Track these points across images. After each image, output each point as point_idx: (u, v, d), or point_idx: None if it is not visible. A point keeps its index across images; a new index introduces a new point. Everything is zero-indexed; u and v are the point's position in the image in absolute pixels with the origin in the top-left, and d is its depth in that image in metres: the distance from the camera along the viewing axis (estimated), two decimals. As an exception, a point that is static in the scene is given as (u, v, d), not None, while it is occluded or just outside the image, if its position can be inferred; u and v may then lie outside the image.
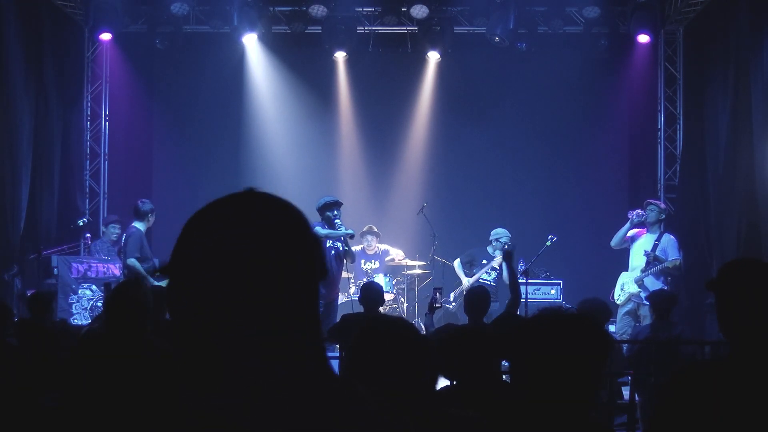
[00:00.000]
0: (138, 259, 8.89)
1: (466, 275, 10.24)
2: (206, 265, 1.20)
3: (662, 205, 9.79)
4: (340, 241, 9.00)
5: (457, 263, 10.35)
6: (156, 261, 9.06)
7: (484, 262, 10.06)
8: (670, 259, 9.36)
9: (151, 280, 8.57)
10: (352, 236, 9.07)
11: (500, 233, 10.13)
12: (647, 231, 9.57)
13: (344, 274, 11.05)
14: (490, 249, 10.12)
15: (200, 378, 1.21)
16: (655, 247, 9.41)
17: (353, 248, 11.12)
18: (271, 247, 1.21)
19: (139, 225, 9.05)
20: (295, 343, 1.23)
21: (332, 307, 9.04)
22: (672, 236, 9.59)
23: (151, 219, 9.24)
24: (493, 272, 9.99)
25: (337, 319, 9.13)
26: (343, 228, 8.94)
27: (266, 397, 1.20)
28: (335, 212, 8.92)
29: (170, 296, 1.24)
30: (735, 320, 2.39)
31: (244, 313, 1.20)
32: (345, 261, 9.23)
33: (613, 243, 9.77)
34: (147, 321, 4.04)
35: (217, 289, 1.19)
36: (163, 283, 8.88)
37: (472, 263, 10.22)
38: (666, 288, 9.25)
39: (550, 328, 2.07)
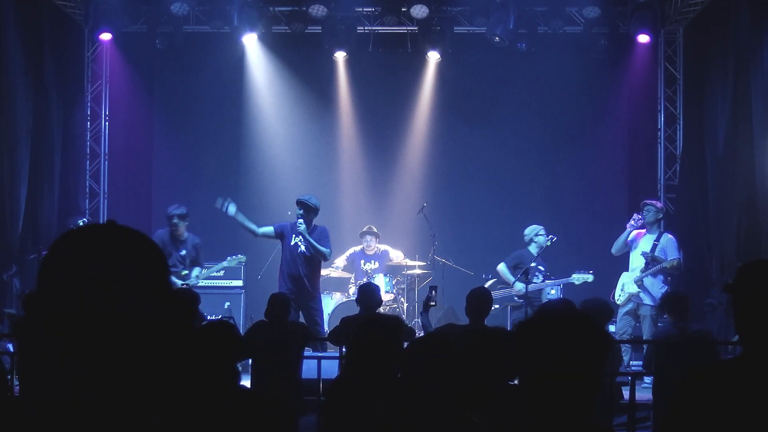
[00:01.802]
0: None
1: (518, 280, 9.69)
2: (59, 294, 1.25)
3: (659, 205, 9.76)
4: (299, 235, 9.06)
5: (502, 267, 9.81)
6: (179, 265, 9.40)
7: (533, 264, 9.67)
8: (669, 258, 9.36)
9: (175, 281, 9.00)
10: (254, 234, 9.31)
11: (537, 229, 9.82)
12: (647, 231, 9.57)
13: (340, 274, 11.09)
14: (533, 249, 9.77)
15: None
16: (654, 247, 9.40)
17: (353, 249, 11.18)
18: (121, 279, 1.25)
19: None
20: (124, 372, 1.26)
21: (310, 309, 9.00)
22: (671, 236, 9.59)
23: (175, 222, 9.43)
24: (541, 276, 9.78)
25: (329, 320, 9.16)
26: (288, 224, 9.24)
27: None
28: (299, 212, 9.13)
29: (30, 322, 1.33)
30: (753, 321, 2.39)
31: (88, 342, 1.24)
32: (316, 259, 9.21)
33: (613, 250, 9.72)
34: None
35: (67, 320, 1.24)
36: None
37: (519, 266, 9.70)
38: (667, 288, 9.27)
39: (550, 328, 2.07)
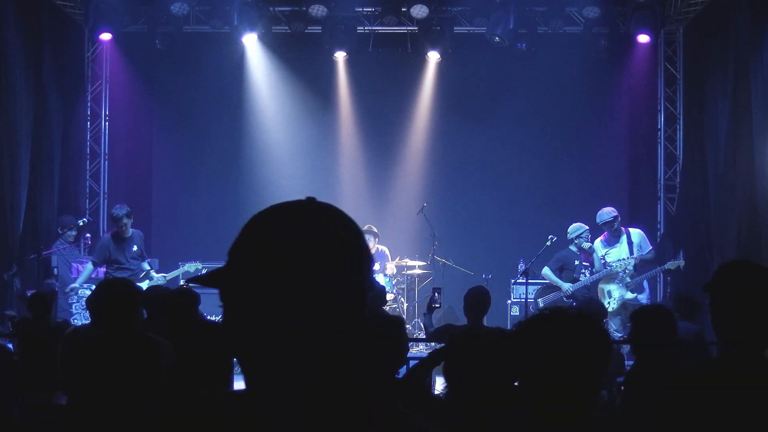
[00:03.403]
0: (96, 263, 9.42)
1: (564, 281, 9.60)
2: (260, 271, 1.19)
3: (614, 213, 9.59)
4: None
5: (547, 271, 9.65)
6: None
7: (577, 263, 9.58)
8: (646, 252, 9.41)
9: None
10: None
11: (579, 228, 9.67)
12: (609, 234, 9.54)
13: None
14: (573, 248, 9.65)
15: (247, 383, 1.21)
16: (631, 246, 9.40)
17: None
18: (323, 259, 1.20)
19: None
20: (342, 358, 1.23)
21: None
22: (637, 229, 9.64)
23: (124, 223, 9.33)
24: (588, 272, 9.67)
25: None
26: None
27: (306, 414, 1.19)
28: None
29: (225, 299, 1.23)
30: (727, 321, 2.41)
31: (293, 324, 1.19)
32: None
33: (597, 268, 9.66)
34: (138, 317, 4.06)
35: (269, 298, 1.19)
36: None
37: (564, 268, 9.64)
38: (646, 281, 9.37)
39: (551, 328, 2.06)
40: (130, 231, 9.42)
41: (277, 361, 1.19)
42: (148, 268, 9.55)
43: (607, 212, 9.63)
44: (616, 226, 9.54)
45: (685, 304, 6.90)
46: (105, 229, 12.06)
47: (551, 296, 9.62)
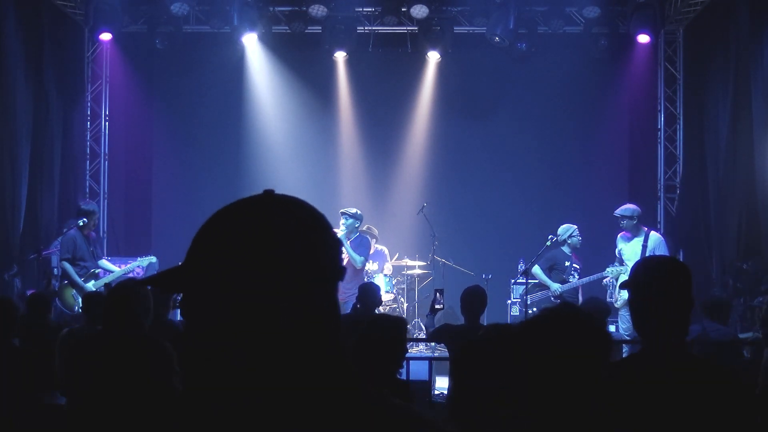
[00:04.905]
0: (69, 260, 8.93)
1: (553, 280, 9.49)
2: (220, 268, 1.18)
3: (628, 212, 9.34)
4: None
5: (537, 270, 9.51)
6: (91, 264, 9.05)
7: (567, 264, 9.51)
8: None
9: (82, 284, 8.82)
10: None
11: (570, 230, 9.55)
12: (631, 235, 9.41)
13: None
14: (566, 249, 9.56)
15: (208, 382, 1.19)
16: (644, 249, 9.33)
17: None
18: (287, 248, 1.18)
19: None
20: (312, 347, 1.21)
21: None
22: (657, 233, 9.55)
23: (98, 217, 9.12)
24: (577, 274, 9.56)
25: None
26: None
27: (276, 404, 1.18)
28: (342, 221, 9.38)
29: (183, 298, 1.22)
30: (646, 316, 2.46)
31: (257, 316, 1.17)
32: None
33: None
34: (145, 319, 4.06)
35: (231, 292, 1.17)
36: (90, 286, 8.80)
37: (554, 268, 9.55)
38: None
39: (550, 327, 2.07)
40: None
41: (243, 357, 1.18)
42: (106, 266, 9.24)
43: (626, 208, 9.57)
44: (635, 223, 9.43)
45: (714, 306, 6.68)
46: (105, 229, 12.08)
47: (539, 294, 9.60)
